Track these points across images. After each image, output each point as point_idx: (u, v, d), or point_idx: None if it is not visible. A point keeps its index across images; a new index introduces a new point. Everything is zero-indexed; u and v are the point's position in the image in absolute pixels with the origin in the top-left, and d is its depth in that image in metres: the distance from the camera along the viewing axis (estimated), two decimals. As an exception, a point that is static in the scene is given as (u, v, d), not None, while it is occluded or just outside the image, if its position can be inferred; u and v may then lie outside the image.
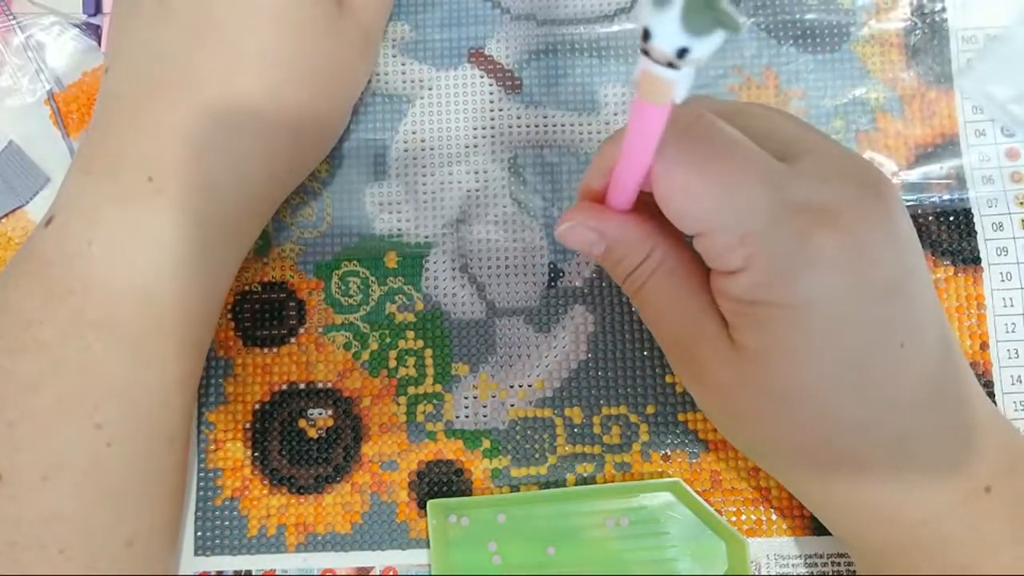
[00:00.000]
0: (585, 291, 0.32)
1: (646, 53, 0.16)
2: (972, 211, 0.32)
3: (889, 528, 0.23)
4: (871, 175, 0.23)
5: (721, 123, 0.22)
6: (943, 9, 0.33)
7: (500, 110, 0.33)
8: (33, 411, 0.25)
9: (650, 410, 0.31)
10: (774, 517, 0.30)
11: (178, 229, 0.26)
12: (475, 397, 0.31)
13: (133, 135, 0.27)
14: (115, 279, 0.26)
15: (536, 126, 0.33)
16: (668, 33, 0.15)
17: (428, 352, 0.31)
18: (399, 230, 0.32)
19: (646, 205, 0.24)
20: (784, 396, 0.23)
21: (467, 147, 0.33)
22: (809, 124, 0.25)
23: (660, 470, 0.30)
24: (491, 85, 0.33)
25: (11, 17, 0.34)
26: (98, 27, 0.34)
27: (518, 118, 0.33)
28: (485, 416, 0.31)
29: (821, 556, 0.30)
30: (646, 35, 0.16)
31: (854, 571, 0.29)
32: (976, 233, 0.31)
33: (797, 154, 0.22)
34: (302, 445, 0.31)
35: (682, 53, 0.15)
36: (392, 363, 0.31)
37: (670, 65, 0.16)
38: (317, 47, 0.28)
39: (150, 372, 0.27)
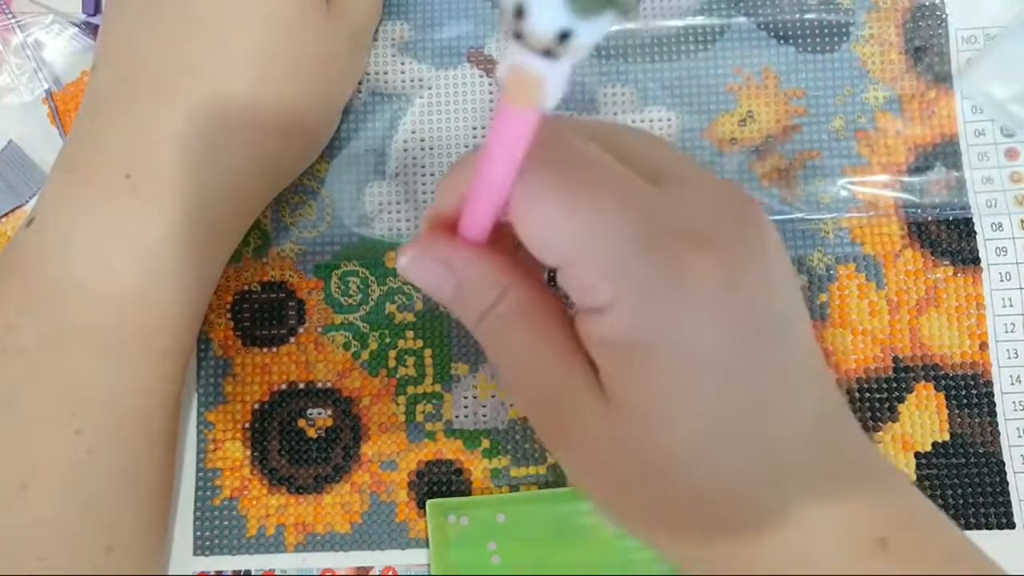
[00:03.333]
0: (585, 291, 0.32)
1: (518, 37, 0.13)
2: (971, 211, 0.32)
3: None
4: (748, 206, 0.21)
5: (587, 144, 0.20)
6: (943, 9, 0.33)
7: (500, 110, 0.33)
8: (11, 417, 0.25)
9: (650, 410, 0.31)
10: (773, 517, 0.30)
11: (157, 230, 0.26)
12: (475, 397, 0.31)
13: (113, 134, 0.26)
14: (93, 281, 0.26)
15: (536, 126, 0.33)
16: (549, 10, 0.13)
17: (428, 352, 0.31)
18: (399, 230, 0.32)
19: (500, 241, 0.21)
20: (668, 452, 0.20)
21: (467, 147, 0.33)
22: (682, 153, 0.23)
23: (659, 470, 0.30)
24: (491, 85, 0.33)
25: (10, 16, 0.34)
26: (97, 27, 0.34)
27: (518, 118, 0.33)
28: (485, 416, 0.31)
29: (820, 556, 0.30)
30: (519, 12, 0.13)
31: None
32: (975, 233, 0.32)
33: (670, 179, 0.20)
34: (301, 445, 0.31)
35: (564, 37, 0.13)
36: (392, 363, 0.31)
37: (547, 55, 0.13)
38: (303, 44, 0.28)
39: (130, 376, 0.26)
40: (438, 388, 0.31)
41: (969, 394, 0.31)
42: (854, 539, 0.21)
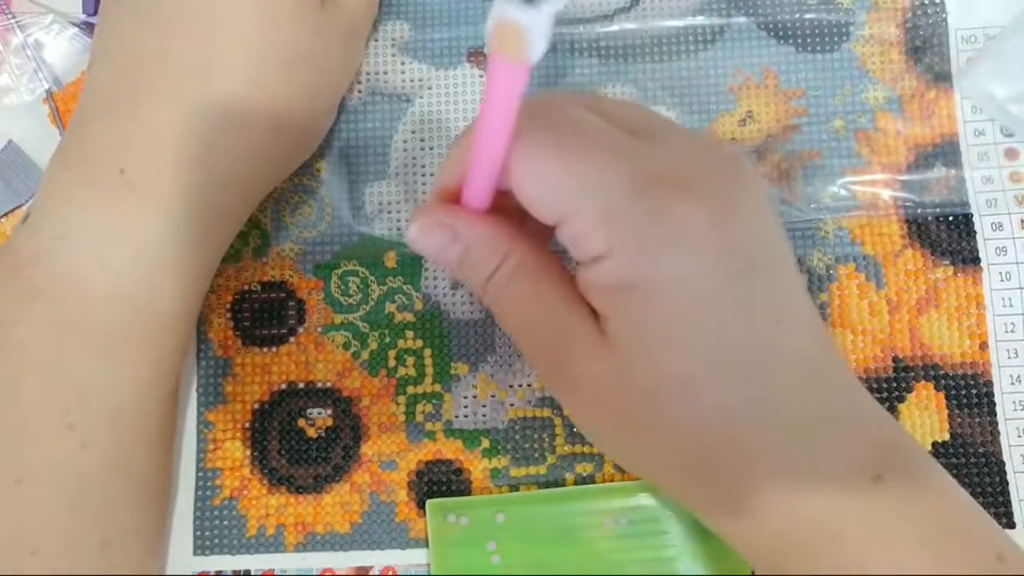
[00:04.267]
0: (584, 291, 0.32)
1: None
2: (971, 211, 0.32)
3: (781, 527, 0.22)
4: (730, 156, 0.22)
5: (574, 106, 0.21)
6: (943, 9, 0.33)
7: (500, 110, 0.33)
8: (6, 412, 0.25)
9: (649, 410, 0.31)
10: (773, 517, 0.30)
11: (153, 226, 0.26)
12: (474, 397, 0.31)
13: (108, 130, 0.26)
14: (88, 277, 0.26)
15: (536, 126, 0.33)
16: None
17: (427, 352, 0.31)
18: (399, 230, 0.32)
19: (502, 209, 0.22)
20: (665, 384, 0.21)
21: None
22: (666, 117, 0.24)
23: (659, 470, 0.30)
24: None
25: (10, 16, 0.34)
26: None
27: (518, 118, 0.33)
28: (484, 416, 0.31)
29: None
30: None
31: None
32: (975, 233, 0.32)
33: (653, 135, 0.21)
34: (301, 445, 0.31)
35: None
36: (391, 363, 0.31)
37: (528, 2, 0.14)
38: (297, 39, 0.28)
39: (125, 372, 0.26)
40: (438, 388, 0.31)
41: (969, 394, 0.31)
42: (849, 473, 0.21)
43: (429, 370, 0.31)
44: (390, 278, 0.32)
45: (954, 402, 0.31)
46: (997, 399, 0.31)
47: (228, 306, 0.32)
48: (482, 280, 0.22)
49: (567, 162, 0.20)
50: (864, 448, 0.22)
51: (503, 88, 0.17)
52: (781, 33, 0.33)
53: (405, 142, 0.33)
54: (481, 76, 0.33)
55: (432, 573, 0.30)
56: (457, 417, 0.31)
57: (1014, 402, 0.31)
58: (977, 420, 0.31)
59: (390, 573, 0.30)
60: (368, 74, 0.33)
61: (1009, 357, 0.31)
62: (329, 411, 0.31)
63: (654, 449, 0.22)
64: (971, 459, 0.30)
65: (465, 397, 0.31)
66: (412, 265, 0.32)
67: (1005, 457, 0.30)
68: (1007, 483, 0.30)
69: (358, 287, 0.32)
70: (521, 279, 0.22)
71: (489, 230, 0.22)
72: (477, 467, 0.31)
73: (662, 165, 0.20)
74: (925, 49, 0.33)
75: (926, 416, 0.31)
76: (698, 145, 0.22)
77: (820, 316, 0.23)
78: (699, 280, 0.20)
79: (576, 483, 0.31)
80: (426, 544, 0.30)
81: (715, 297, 0.20)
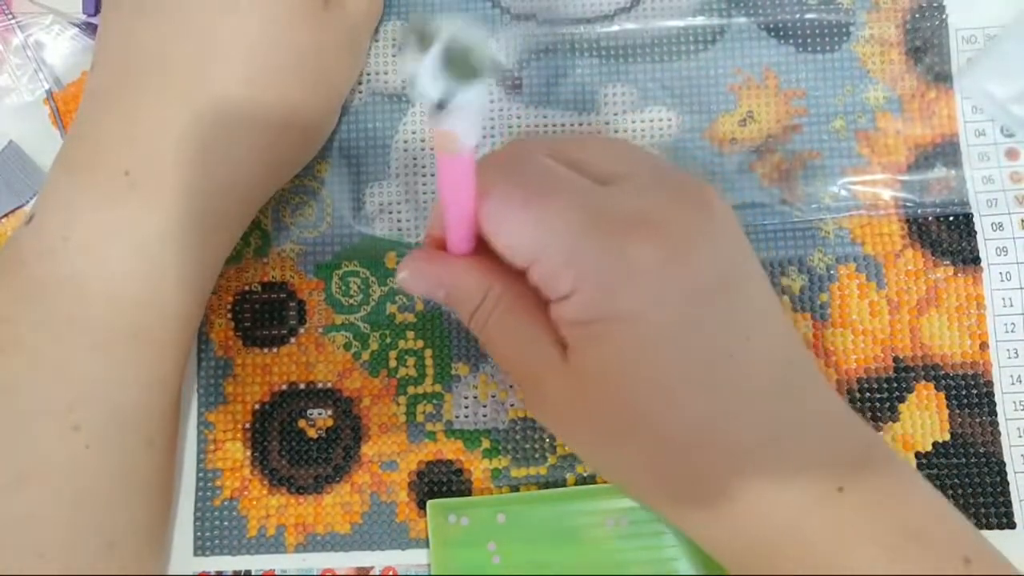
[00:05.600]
0: (585, 291, 0.32)
1: (426, 102, 0.16)
2: (972, 211, 0.32)
3: (751, 534, 0.23)
4: (689, 184, 0.23)
5: (539, 157, 0.23)
6: (943, 8, 0.33)
7: (500, 110, 0.33)
8: (9, 412, 0.25)
9: (650, 410, 0.31)
10: (774, 517, 0.30)
11: (156, 226, 0.26)
12: (475, 397, 0.31)
13: (111, 131, 0.26)
14: (92, 278, 0.26)
15: (536, 126, 0.33)
16: (429, 81, 0.16)
17: (428, 352, 0.31)
18: (399, 230, 0.32)
19: (484, 246, 0.24)
20: (620, 408, 0.22)
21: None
22: (638, 149, 0.26)
23: (660, 470, 0.30)
24: (491, 85, 0.33)
25: (11, 17, 0.34)
26: (97, 27, 0.34)
27: (518, 118, 0.33)
28: (485, 416, 0.31)
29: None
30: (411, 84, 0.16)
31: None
32: (976, 233, 0.32)
33: (618, 177, 0.23)
34: (302, 445, 0.31)
35: (445, 102, 0.16)
36: (392, 363, 0.31)
37: (439, 109, 0.16)
38: (299, 39, 0.28)
39: (127, 373, 0.27)
40: (438, 388, 0.31)
41: (969, 394, 0.31)
42: (812, 485, 0.22)
43: (430, 371, 0.31)
44: (391, 278, 0.32)
45: (954, 402, 0.31)
46: (997, 399, 0.31)
47: (229, 306, 0.32)
48: (467, 315, 0.25)
49: (531, 212, 0.22)
50: (829, 459, 0.23)
51: (453, 174, 0.20)
52: (781, 33, 0.33)
53: (406, 142, 0.33)
54: (481, 76, 0.33)
55: (432, 573, 0.30)
56: (458, 417, 0.31)
57: (1014, 402, 0.31)
58: (977, 420, 0.31)
59: (390, 573, 0.30)
60: (368, 74, 0.33)
61: (1009, 357, 0.31)
62: (330, 411, 0.31)
63: (624, 469, 0.24)
64: (971, 459, 0.30)
65: (466, 397, 0.31)
66: (412, 265, 0.32)
67: (1005, 457, 0.30)
68: (1007, 483, 0.30)
69: (359, 287, 0.32)
70: (500, 313, 0.24)
71: (470, 272, 0.24)
72: (478, 467, 0.31)
73: (620, 206, 0.22)
74: (925, 49, 0.33)
75: (926, 416, 0.31)
76: (659, 181, 0.23)
77: (793, 332, 0.24)
78: (654, 313, 0.21)
79: (577, 483, 0.31)
80: (427, 544, 0.30)
81: (667, 323, 0.22)
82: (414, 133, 0.33)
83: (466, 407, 0.31)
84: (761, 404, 0.23)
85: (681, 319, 0.22)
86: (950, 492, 0.30)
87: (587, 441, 0.24)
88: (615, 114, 0.33)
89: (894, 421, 0.31)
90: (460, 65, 0.15)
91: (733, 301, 0.22)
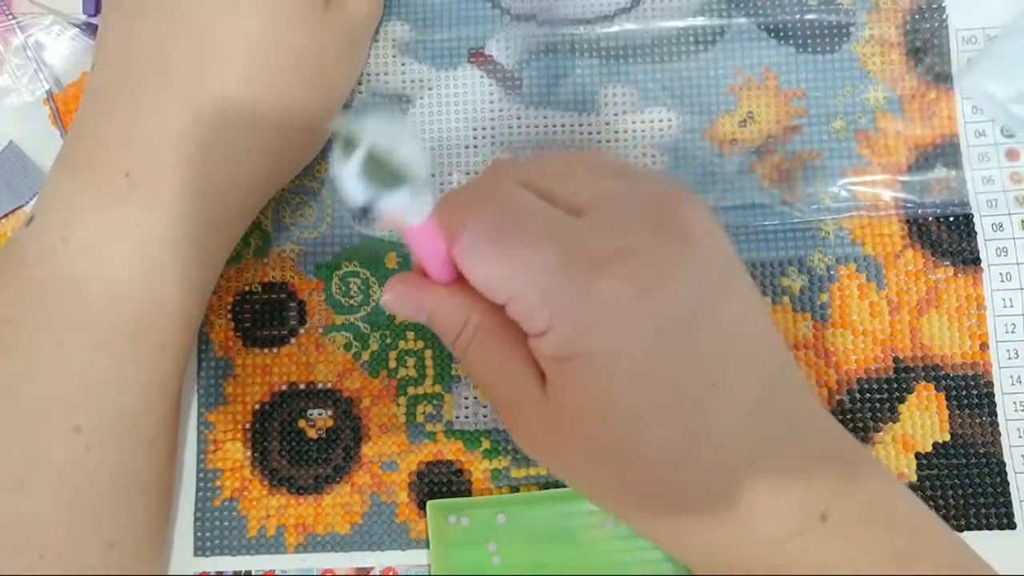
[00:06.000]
0: (585, 291, 0.32)
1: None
2: (972, 212, 0.32)
3: (732, 562, 0.23)
4: (666, 206, 0.22)
5: (510, 187, 0.23)
6: (943, 9, 0.33)
7: (500, 110, 0.33)
8: (10, 413, 0.25)
9: (650, 410, 0.31)
10: (774, 517, 0.30)
11: (157, 227, 0.26)
12: (475, 397, 0.31)
13: (112, 132, 0.26)
14: (92, 279, 0.26)
15: (536, 126, 0.33)
16: (354, 186, 0.16)
17: (428, 352, 0.31)
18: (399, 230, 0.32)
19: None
20: (605, 442, 0.22)
21: (467, 147, 0.33)
22: (619, 167, 0.25)
23: (660, 470, 0.30)
24: (491, 85, 0.33)
25: (11, 17, 0.34)
26: (97, 27, 0.34)
27: (518, 118, 0.33)
28: (485, 416, 0.31)
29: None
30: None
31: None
32: (976, 234, 0.32)
33: (595, 205, 0.22)
34: (302, 445, 0.31)
35: (370, 207, 0.16)
36: (392, 363, 0.31)
37: (369, 210, 0.16)
38: (298, 38, 0.28)
39: (127, 374, 0.26)
40: (439, 389, 0.31)
41: (970, 394, 0.31)
42: (793, 512, 0.22)
43: (430, 371, 0.31)
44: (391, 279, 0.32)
45: (955, 403, 0.31)
46: (998, 400, 0.31)
47: (229, 307, 0.32)
48: (449, 341, 0.25)
49: (505, 251, 0.22)
50: (810, 489, 0.23)
51: (414, 240, 0.22)
52: (781, 34, 0.33)
53: (405, 143, 0.33)
54: (482, 77, 0.33)
55: (433, 574, 0.30)
56: (458, 418, 0.31)
57: (1015, 403, 0.31)
58: (978, 421, 0.31)
59: (390, 574, 0.30)
60: (369, 74, 0.33)
61: (1010, 358, 0.31)
62: (330, 412, 0.31)
63: (605, 496, 0.25)
64: (971, 459, 0.30)
65: (466, 398, 0.31)
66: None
67: (1006, 457, 0.30)
68: (1007, 483, 0.30)
69: (359, 288, 0.32)
70: (481, 339, 0.24)
71: (450, 300, 0.24)
72: (478, 468, 0.31)
73: (594, 241, 0.22)
74: (925, 50, 0.33)
75: (926, 417, 0.31)
76: (632, 206, 0.22)
77: (778, 347, 0.24)
78: (629, 348, 0.21)
79: (577, 484, 0.31)
80: (427, 545, 0.30)
81: (645, 361, 0.21)
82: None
83: (466, 407, 0.31)
84: (745, 424, 0.22)
85: (656, 352, 0.21)
86: (950, 493, 0.30)
87: (563, 466, 0.25)
88: (615, 114, 0.33)
89: (894, 422, 0.31)
90: (383, 170, 0.15)
91: (712, 326, 0.22)
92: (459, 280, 0.24)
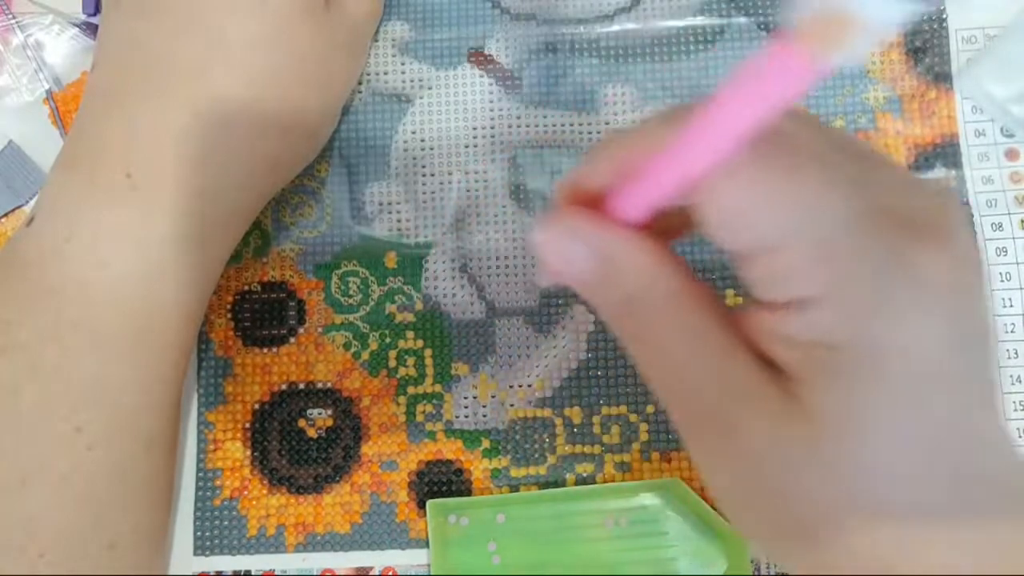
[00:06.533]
0: (585, 291, 0.32)
1: None
2: (972, 211, 0.32)
3: None
4: (955, 199, 0.19)
5: (796, 126, 0.17)
6: (943, 9, 0.33)
7: (500, 110, 0.33)
8: (11, 413, 0.25)
9: (650, 410, 0.31)
10: (774, 517, 0.30)
11: (157, 228, 0.26)
12: (475, 397, 0.31)
13: (112, 132, 0.26)
14: (93, 279, 0.26)
15: (536, 126, 0.33)
16: None
17: (428, 352, 0.31)
18: (399, 230, 0.32)
19: (649, 225, 0.19)
20: (866, 476, 0.16)
21: (467, 147, 0.33)
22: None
23: (660, 470, 0.30)
24: (491, 85, 0.33)
25: (11, 17, 0.34)
26: (97, 27, 0.34)
27: (518, 118, 0.33)
28: (485, 416, 0.31)
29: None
30: None
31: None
32: (975, 233, 0.31)
33: (865, 158, 0.18)
34: (302, 445, 0.31)
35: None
36: (392, 363, 0.31)
37: None
38: (300, 41, 0.28)
39: (129, 374, 0.27)
40: (438, 388, 0.31)
41: (969, 394, 0.31)
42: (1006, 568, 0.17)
43: (429, 370, 0.31)
44: (390, 278, 0.32)
45: (954, 402, 0.31)
46: (998, 400, 0.31)
47: (229, 306, 0.32)
48: (617, 304, 0.18)
49: (782, 181, 0.16)
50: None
51: (777, 86, 0.13)
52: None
53: (405, 142, 0.33)
54: (482, 76, 0.33)
55: (432, 573, 0.30)
56: (457, 417, 0.31)
57: (1014, 402, 0.31)
58: (977, 420, 0.30)
59: (390, 573, 0.30)
60: (369, 74, 0.33)
61: (1009, 357, 0.31)
62: (329, 411, 0.31)
63: (822, 535, 0.17)
64: (971, 459, 0.30)
65: (465, 397, 0.31)
66: (412, 265, 0.32)
67: (1005, 457, 0.30)
68: (1007, 483, 0.30)
69: (358, 287, 0.32)
70: (669, 311, 0.18)
71: (641, 245, 0.18)
72: (477, 467, 0.31)
73: (891, 198, 0.16)
74: (925, 49, 0.33)
75: (926, 416, 0.31)
76: (921, 184, 0.18)
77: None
78: (931, 351, 0.16)
79: (576, 483, 0.31)
80: (426, 544, 0.30)
81: (950, 374, 0.16)
82: (414, 133, 0.33)
83: (466, 407, 0.31)
84: (979, 494, 0.17)
85: (957, 371, 0.16)
86: (950, 492, 0.30)
87: (779, 507, 0.17)
88: (615, 114, 0.33)
89: (894, 421, 0.31)
90: None
91: (987, 352, 0.17)
92: (642, 230, 0.18)
